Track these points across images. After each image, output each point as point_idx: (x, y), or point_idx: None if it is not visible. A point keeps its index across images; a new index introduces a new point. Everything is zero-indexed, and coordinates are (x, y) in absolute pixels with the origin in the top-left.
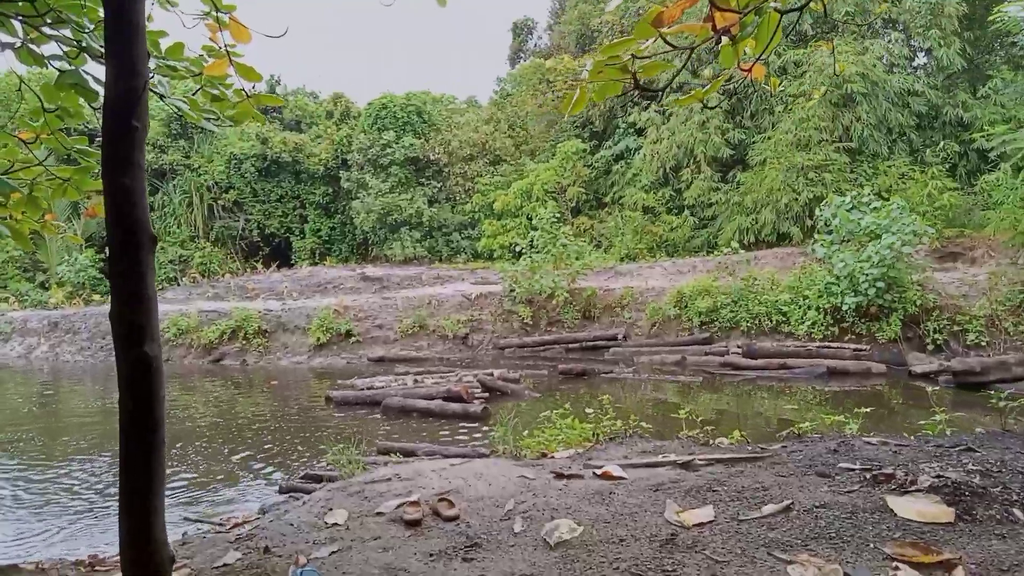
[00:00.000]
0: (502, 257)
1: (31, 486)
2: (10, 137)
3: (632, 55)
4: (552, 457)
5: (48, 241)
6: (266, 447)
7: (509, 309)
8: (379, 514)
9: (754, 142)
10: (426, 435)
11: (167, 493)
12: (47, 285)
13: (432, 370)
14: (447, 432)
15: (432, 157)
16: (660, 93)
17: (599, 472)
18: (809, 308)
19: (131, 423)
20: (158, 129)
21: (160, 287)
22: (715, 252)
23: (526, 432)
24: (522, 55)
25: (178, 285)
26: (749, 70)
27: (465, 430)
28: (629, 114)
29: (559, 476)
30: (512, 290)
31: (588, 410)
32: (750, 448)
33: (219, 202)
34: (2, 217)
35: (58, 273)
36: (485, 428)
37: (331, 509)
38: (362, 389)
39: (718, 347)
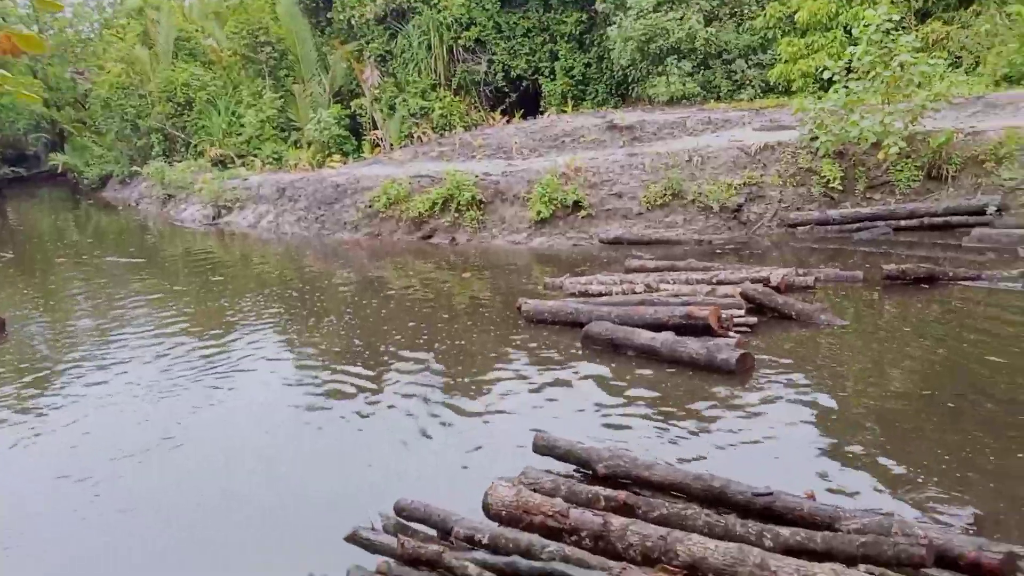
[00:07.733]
0: (804, 89)
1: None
2: None
3: None
4: None
5: (298, 96)
6: (404, 382)
7: (807, 167)
8: None
9: None
10: (633, 411)
11: None
12: (299, 144)
13: (678, 265)
14: (670, 401)
15: None
16: None
17: None
18: None
19: None
20: None
21: (402, 145)
22: None
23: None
24: None
25: (411, 143)
26: None
27: (706, 403)
28: None
29: None
30: (814, 137)
31: None
32: None
33: (459, 42)
34: None
35: (307, 132)
36: (741, 397)
37: None
38: (571, 294)
39: None
